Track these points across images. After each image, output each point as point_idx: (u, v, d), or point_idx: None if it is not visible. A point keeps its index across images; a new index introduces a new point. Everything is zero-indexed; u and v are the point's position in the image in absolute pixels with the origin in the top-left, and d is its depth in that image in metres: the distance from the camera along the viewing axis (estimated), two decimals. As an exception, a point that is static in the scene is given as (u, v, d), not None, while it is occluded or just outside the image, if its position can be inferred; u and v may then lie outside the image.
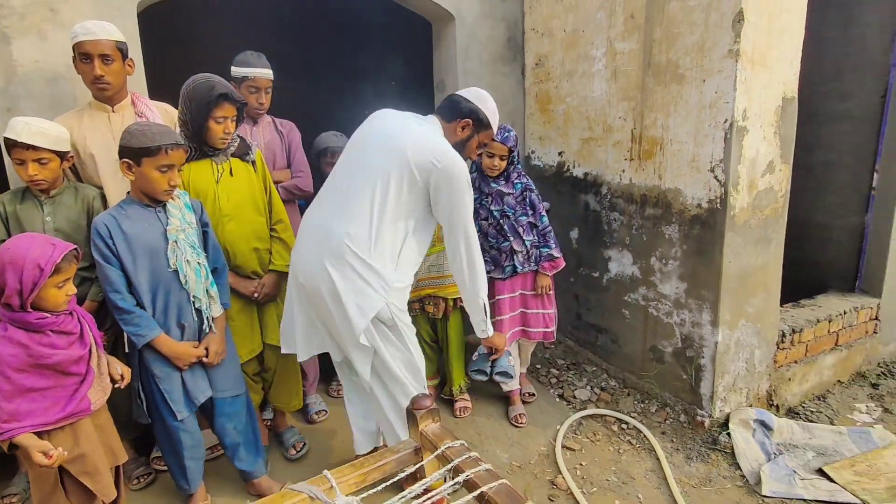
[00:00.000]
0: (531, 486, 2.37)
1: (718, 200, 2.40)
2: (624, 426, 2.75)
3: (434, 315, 2.74)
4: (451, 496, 1.46)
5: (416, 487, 1.47)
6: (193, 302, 1.87)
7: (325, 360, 3.29)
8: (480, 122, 2.05)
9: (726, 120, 2.31)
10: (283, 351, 2.14)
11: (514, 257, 2.65)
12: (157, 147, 1.69)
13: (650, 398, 2.88)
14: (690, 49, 2.42)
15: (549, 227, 2.74)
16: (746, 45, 2.23)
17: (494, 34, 3.42)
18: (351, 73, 5.98)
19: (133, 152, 1.71)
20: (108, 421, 1.79)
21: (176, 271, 1.83)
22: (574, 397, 3.01)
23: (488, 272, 2.70)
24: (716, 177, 2.39)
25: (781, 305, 3.03)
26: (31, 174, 1.87)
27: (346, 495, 1.57)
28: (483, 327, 2.14)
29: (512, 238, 2.63)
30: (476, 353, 2.49)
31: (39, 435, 1.52)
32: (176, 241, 1.83)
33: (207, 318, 1.92)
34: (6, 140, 1.87)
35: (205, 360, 1.90)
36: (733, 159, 2.32)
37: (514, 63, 3.54)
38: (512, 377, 2.51)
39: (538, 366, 3.33)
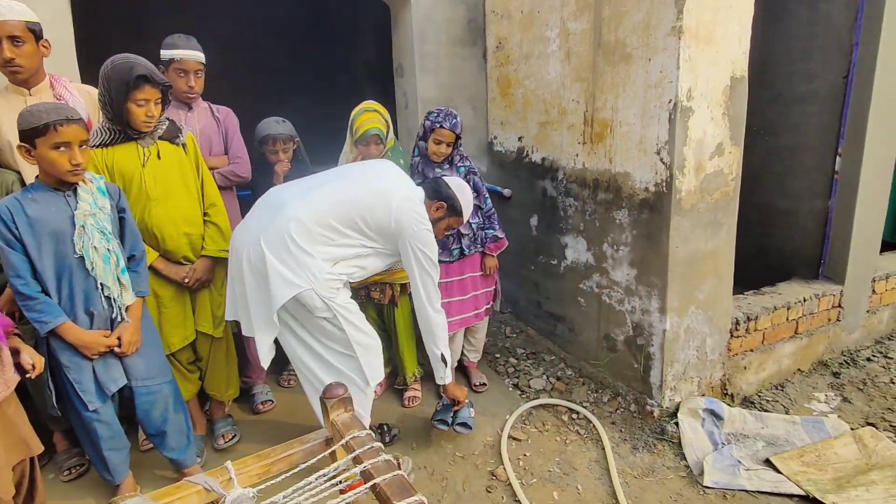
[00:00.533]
0: (470, 477, 2.32)
1: (664, 184, 2.33)
2: (574, 416, 2.69)
3: (380, 301, 2.69)
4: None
5: (314, 478, 1.43)
6: (102, 289, 1.81)
7: (279, 348, 3.25)
8: (454, 209, 2.22)
9: (670, 100, 2.23)
10: (228, 318, 2.18)
11: (461, 240, 2.61)
12: (45, 125, 1.63)
13: (604, 388, 2.82)
14: (637, 27, 2.33)
15: (493, 209, 2.71)
16: (690, 22, 2.15)
17: (453, 16, 3.33)
18: (322, 64, 5.91)
19: (26, 135, 1.65)
20: (17, 412, 1.75)
21: (82, 257, 1.77)
22: (529, 387, 2.95)
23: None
24: (662, 159, 2.32)
25: (744, 293, 2.97)
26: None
27: (246, 487, 1.53)
28: (441, 375, 2.32)
29: None
30: (440, 403, 2.56)
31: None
32: (83, 226, 1.77)
33: (119, 306, 1.86)
34: None
35: (116, 349, 1.85)
36: (678, 141, 2.25)
37: (474, 46, 3.45)
38: (471, 428, 2.49)
39: (497, 355, 3.28)
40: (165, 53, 2.33)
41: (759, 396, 2.77)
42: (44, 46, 2.13)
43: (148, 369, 1.95)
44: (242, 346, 2.71)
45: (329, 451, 1.61)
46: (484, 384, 2.89)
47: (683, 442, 2.40)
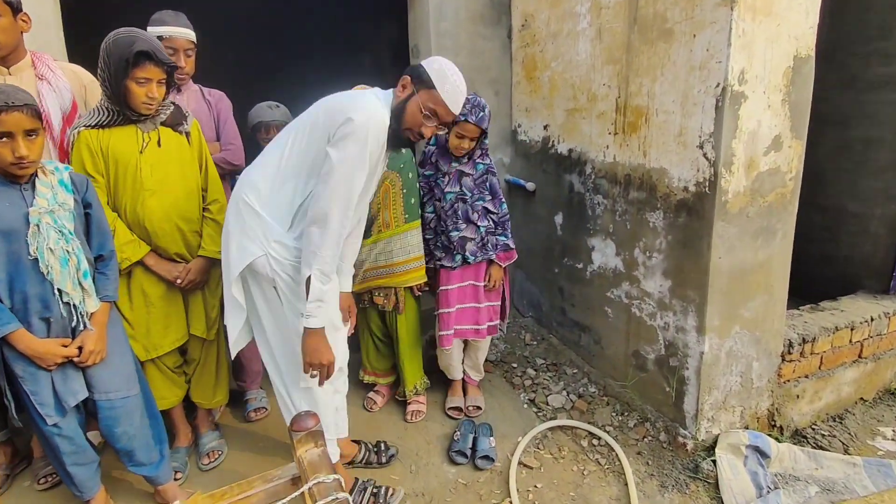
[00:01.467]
0: (471, 510, 2.07)
1: (707, 183, 1.98)
2: (596, 441, 2.40)
3: (384, 307, 2.45)
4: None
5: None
6: (60, 295, 1.63)
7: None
8: (420, 80, 1.70)
9: (718, 84, 1.88)
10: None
11: (465, 245, 2.32)
12: None
13: (630, 410, 2.51)
14: (680, -3, 1.98)
15: (508, 215, 2.41)
16: (745, -11, 1.79)
17: (473, -9, 3.02)
18: (346, 43, 5.68)
19: None
20: None
21: (37, 259, 1.59)
22: (546, 404, 2.66)
23: (438, 259, 2.38)
24: (705, 154, 1.97)
25: (797, 308, 2.59)
26: None
27: (190, 533, 1.33)
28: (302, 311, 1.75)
29: (464, 225, 2.30)
30: (456, 432, 2.34)
31: None
32: (38, 225, 1.59)
33: (81, 313, 1.68)
34: None
35: (76, 359, 1.68)
36: (726, 132, 1.89)
37: (498, 25, 3.13)
38: (494, 461, 2.26)
39: (514, 364, 3.00)
40: (152, 31, 2.13)
41: (814, 430, 2.40)
42: (23, 20, 1.96)
43: (112, 381, 1.77)
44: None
45: (296, 494, 1.39)
46: (478, 408, 2.60)
47: (721, 483, 2.07)
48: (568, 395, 2.70)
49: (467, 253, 2.31)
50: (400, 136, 1.75)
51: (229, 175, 2.39)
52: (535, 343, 3.20)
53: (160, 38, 2.12)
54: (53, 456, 1.79)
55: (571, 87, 2.67)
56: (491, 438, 2.35)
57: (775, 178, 2.03)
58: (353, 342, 2.99)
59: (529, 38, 2.98)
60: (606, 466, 2.26)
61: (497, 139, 3.29)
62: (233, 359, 1.99)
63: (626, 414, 2.51)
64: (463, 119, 2.17)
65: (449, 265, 2.32)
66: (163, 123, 1.91)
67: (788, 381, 2.36)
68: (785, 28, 1.89)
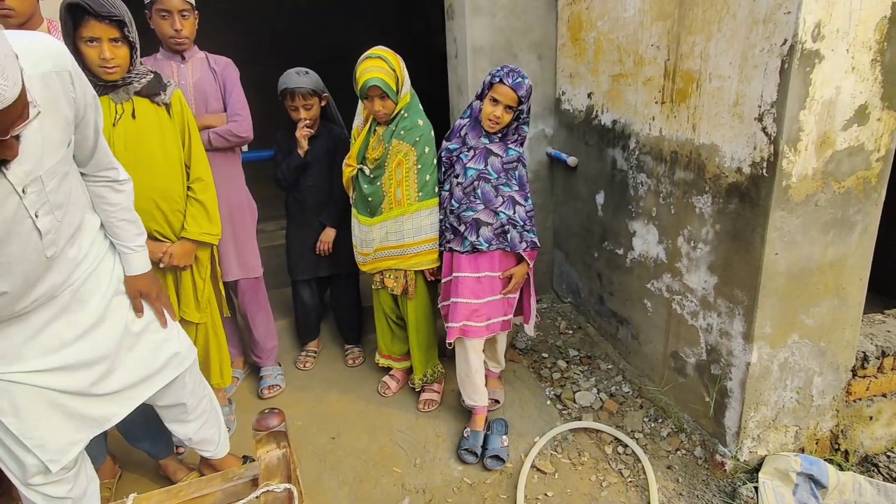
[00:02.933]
0: (472, 514, 1.92)
1: (765, 164, 1.64)
2: (622, 449, 2.16)
3: (393, 290, 2.30)
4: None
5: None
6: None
7: (294, 326, 3.02)
8: None
9: (785, 41, 1.52)
10: None
11: (480, 230, 2.07)
12: None
13: (665, 417, 2.24)
14: (744, -67, 1.61)
15: (532, 211, 2.13)
16: (828, -83, 1.41)
17: (514, -60, 2.70)
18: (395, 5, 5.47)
19: None
20: None
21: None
22: (573, 401, 2.44)
23: (447, 241, 2.15)
24: (764, 128, 1.62)
25: (881, 312, 2.18)
26: None
27: (140, 530, 1.27)
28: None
29: (481, 206, 2.05)
30: (466, 429, 2.19)
31: None
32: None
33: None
34: None
35: None
36: (791, 101, 1.54)
37: (542, -22, 2.80)
38: (505, 462, 2.09)
39: (545, 354, 2.78)
40: None
41: (889, 458, 2.03)
42: None
43: None
44: (249, 326, 2.51)
45: (253, 495, 1.29)
46: (496, 401, 2.40)
47: (761, 513, 1.79)
48: (598, 394, 2.46)
49: (480, 238, 2.07)
50: None
51: (238, 148, 2.30)
52: (570, 332, 2.96)
53: (154, 1, 2.01)
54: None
55: (617, 50, 2.34)
56: (504, 437, 2.18)
57: (856, 159, 1.65)
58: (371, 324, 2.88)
59: (576, -8, 2.64)
60: (630, 479, 2.03)
61: (539, 108, 2.99)
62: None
63: (659, 421, 2.24)
64: (498, 80, 1.92)
65: (458, 249, 2.10)
66: (137, 93, 1.79)
67: (859, 399, 1.99)
68: (881, -33, 1.49)
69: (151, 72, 1.86)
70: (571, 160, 2.82)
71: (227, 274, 2.29)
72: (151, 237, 1.93)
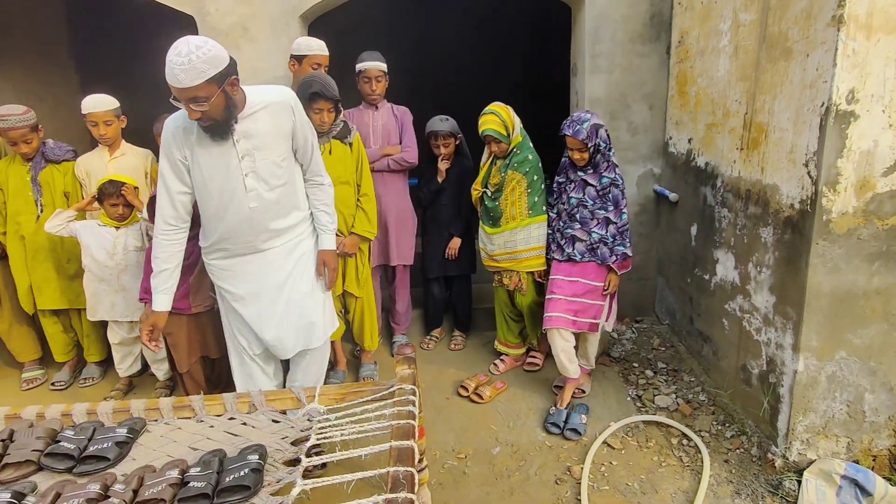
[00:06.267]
0: (547, 464, 2.42)
1: (809, 201, 1.98)
2: (685, 442, 2.50)
3: (508, 287, 2.92)
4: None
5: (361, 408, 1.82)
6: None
7: (423, 316, 3.72)
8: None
9: (823, 103, 1.89)
10: None
11: (575, 245, 2.63)
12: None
13: (732, 422, 2.53)
14: (799, 16, 2.02)
15: (628, 226, 2.62)
16: (858, 9, 1.78)
17: (632, 13, 3.24)
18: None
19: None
20: (207, 323, 2.60)
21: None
22: (652, 402, 2.81)
23: (551, 251, 2.73)
24: (809, 172, 1.98)
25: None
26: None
27: (321, 405, 2.00)
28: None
29: (578, 226, 2.62)
30: (552, 407, 2.74)
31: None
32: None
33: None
34: None
35: None
36: (828, 151, 1.89)
37: (656, 42, 3.30)
38: (581, 435, 2.57)
39: (635, 364, 3.17)
40: (357, 66, 2.95)
41: (954, 487, 2.12)
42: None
43: None
44: (394, 300, 3.31)
45: (387, 390, 1.94)
46: (582, 391, 2.86)
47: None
48: (676, 399, 2.80)
49: (575, 251, 2.63)
50: (207, 124, 1.89)
51: (406, 172, 3.13)
52: (662, 349, 3.30)
53: (360, 71, 2.92)
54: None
55: (711, 103, 2.75)
56: (584, 416, 2.64)
57: (900, 201, 1.92)
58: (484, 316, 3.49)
59: (683, 53, 3.09)
60: (687, 464, 2.37)
61: (648, 150, 3.45)
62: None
63: (726, 425, 2.54)
64: (562, 134, 2.50)
65: (557, 258, 2.68)
66: (333, 136, 2.63)
67: (921, 425, 2.13)
68: (913, 45, 1.80)
69: (343, 121, 2.73)
70: (673, 196, 3.23)
71: (391, 260, 3.11)
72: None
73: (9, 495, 1.43)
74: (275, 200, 2.10)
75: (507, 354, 3.17)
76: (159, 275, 2.11)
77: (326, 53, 2.91)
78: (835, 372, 2.09)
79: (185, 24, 3.11)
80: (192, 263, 2.43)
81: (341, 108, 2.65)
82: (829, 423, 2.14)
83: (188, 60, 1.71)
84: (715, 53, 2.70)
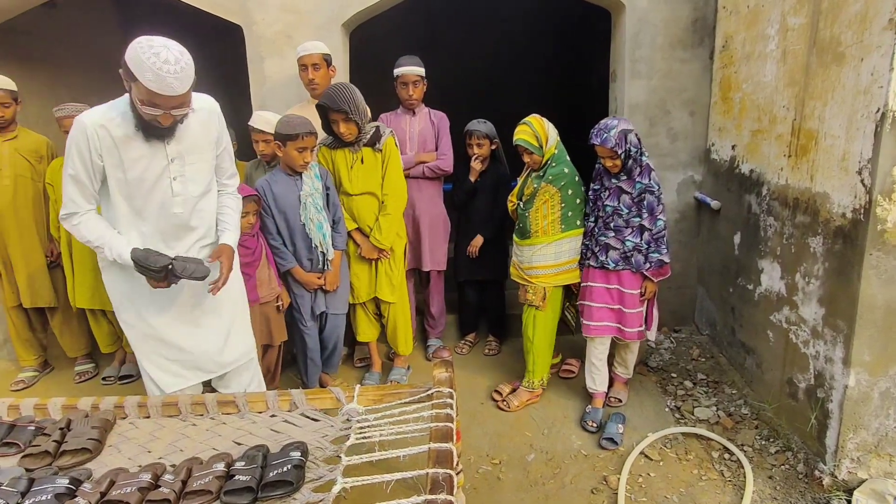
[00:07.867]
0: (583, 473, 2.39)
1: (863, 210, 1.92)
2: (727, 456, 2.44)
3: (532, 303, 2.79)
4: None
5: (400, 409, 1.84)
6: (319, 246, 2.57)
7: (458, 321, 3.73)
8: (128, 74, 1.71)
9: (878, 109, 1.83)
10: None
11: (608, 252, 2.59)
12: (296, 134, 2.40)
13: (777, 437, 2.45)
14: (853, 20, 1.96)
15: (664, 232, 2.55)
16: (917, 12, 1.72)
17: (674, 17, 3.20)
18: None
19: (280, 136, 2.46)
20: (271, 312, 2.68)
21: (304, 224, 2.54)
22: (692, 413, 2.75)
23: (586, 258, 2.69)
24: (862, 180, 1.92)
25: None
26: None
27: (360, 405, 2.04)
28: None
29: (612, 234, 2.57)
30: (588, 406, 2.72)
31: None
32: (305, 203, 2.53)
33: (327, 258, 2.60)
34: (252, 128, 2.86)
35: (324, 286, 2.61)
36: (884, 158, 1.83)
37: (699, 47, 3.24)
38: (618, 445, 2.54)
39: (673, 374, 3.10)
40: (395, 71, 3.00)
41: None
42: (332, 71, 2.97)
43: (339, 302, 2.74)
44: (429, 303, 3.33)
45: (425, 393, 1.96)
46: (619, 400, 2.81)
47: (848, 524, 1.97)
48: (717, 411, 2.73)
49: (608, 259, 2.59)
50: (152, 125, 1.81)
51: (442, 178, 3.15)
52: (702, 359, 3.22)
53: (397, 76, 2.96)
54: (301, 350, 2.77)
55: (757, 109, 2.69)
56: (620, 426, 2.60)
57: (961, 211, 1.84)
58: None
59: (727, 59, 3.03)
60: (729, 479, 2.31)
61: (689, 157, 3.39)
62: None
63: (770, 440, 2.46)
64: (591, 143, 2.47)
65: (591, 264, 2.65)
66: (364, 144, 2.64)
67: (983, 447, 2.03)
68: (978, 48, 1.73)
69: (374, 126, 2.73)
70: (715, 204, 3.16)
71: (423, 265, 3.14)
72: (363, 233, 2.80)
73: (66, 481, 1.51)
74: (199, 207, 2.03)
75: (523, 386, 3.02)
76: (118, 239, 1.92)
77: (318, 52, 2.81)
78: (889, 388, 2.00)
79: (227, 33, 3.22)
80: (258, 258, 2.53)
81: (358, 119, 2.56)
82: (881, 441, 2.05)
83: (180, 68, 1.67)
84: (761, 58, 2.64)
